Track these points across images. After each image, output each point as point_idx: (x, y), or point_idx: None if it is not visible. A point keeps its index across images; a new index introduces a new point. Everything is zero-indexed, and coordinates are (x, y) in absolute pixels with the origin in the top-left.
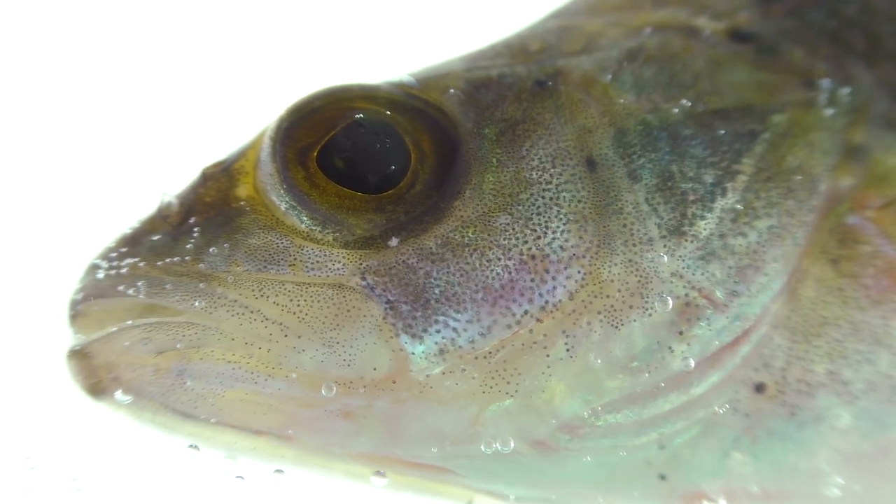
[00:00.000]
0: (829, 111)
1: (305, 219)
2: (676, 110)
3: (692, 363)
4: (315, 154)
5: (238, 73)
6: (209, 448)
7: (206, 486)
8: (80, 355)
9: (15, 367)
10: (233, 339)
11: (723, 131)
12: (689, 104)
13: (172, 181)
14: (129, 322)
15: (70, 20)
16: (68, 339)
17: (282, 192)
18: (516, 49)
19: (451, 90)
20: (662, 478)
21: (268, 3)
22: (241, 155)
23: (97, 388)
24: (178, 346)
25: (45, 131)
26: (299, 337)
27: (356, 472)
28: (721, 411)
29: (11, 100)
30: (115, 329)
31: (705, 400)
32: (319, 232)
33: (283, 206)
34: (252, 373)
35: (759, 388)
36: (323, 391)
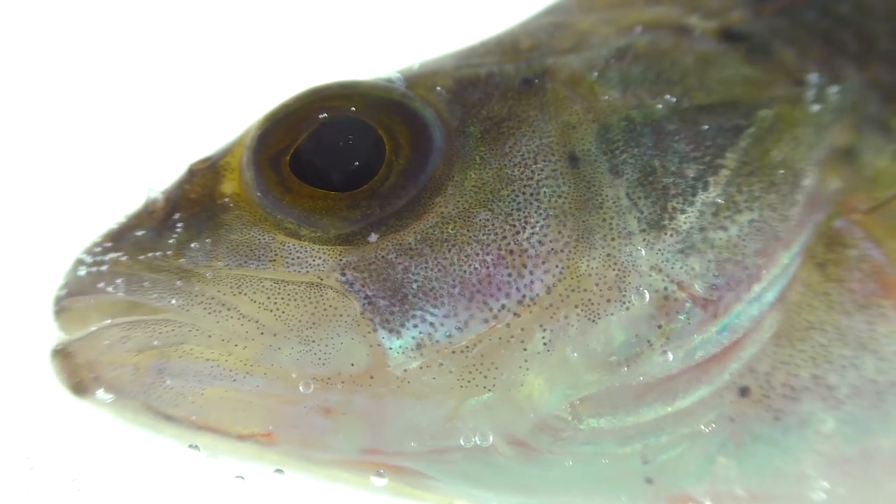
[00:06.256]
0: (816, 108)
1: (283, 222)
2: (661, 106)
3: (671, 357)
4: (287, 158)
5: (227, 69)
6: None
7: (206, 486)
8: (62, 354)
9: (15, 367)
10: (210, 337)
11: (707, 126)
12: (675, 100)
13: (161, 177)
14: (109, 321)
15: (61, 17)
16: (56, 335)
17: (258, 197)
18: (507, 46)
19: (438, 88)
20: (649, 481)
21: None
22: (228, 151)
23: (79, 386)
24: (156, 343)
25: (37, 128)
26: (275, 335)
27: (340, 476)
28: (705, 416)
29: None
30: (95, 328)
31: (690, 405)
32: (296, 233)
33: (260, 210)
34: (230, 370)
35: (744, 391)
36: (301, 388)
